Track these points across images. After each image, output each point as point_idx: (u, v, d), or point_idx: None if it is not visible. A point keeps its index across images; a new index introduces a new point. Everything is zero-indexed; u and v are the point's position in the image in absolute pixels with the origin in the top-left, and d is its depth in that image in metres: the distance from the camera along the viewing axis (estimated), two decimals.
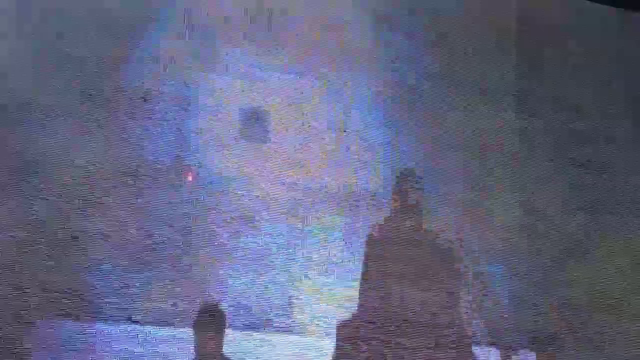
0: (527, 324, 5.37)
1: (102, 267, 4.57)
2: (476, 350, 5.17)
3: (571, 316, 5.47)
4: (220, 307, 4.62)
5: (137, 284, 4.62)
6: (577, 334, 5.45)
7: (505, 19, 5.68)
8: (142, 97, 4.66)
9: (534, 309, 5.41)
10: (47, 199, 4.54)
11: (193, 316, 4.62)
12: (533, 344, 5.36)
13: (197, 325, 4.60)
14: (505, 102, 5.61)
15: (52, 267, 4.49)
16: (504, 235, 5.45)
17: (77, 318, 4.50)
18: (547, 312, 5.42)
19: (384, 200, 5.16)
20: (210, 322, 4.59)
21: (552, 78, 5.73)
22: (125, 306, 4.58)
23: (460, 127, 5.46)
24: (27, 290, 4.42)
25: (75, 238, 4.54)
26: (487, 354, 5.23)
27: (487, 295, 5.29)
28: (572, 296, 5.51)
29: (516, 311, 5.38)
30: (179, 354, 4.61)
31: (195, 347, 4.60)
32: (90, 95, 4.68)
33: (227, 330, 4.71)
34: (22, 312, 4.41)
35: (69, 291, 4.49)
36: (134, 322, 4.55)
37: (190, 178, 4.79)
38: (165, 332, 4.63)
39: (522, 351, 5.34)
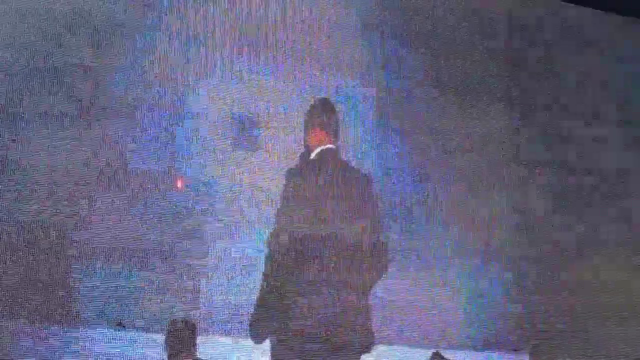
0: (521, 326, 5.38)
1: (91, 272, 4.56)
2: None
3: (565, 318, 5.47)
4: (189, 320, 4.59)
5: (127, 290, 4.60)
6: (571, 336, 5.45)
7: (494, 23, 5.69)
8: None
9: (528, 310, 5.41)
10: (34, 204, 4.54)
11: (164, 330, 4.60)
12: (528, 346, 5.36)
13: (166, 341, 4.56)
14: (495, 105, 5.62)
15: (39, 272, 4.48)
16: (497, 237, 5.45)
17: (65, 323, 4.49)
18: (541, 313, 5.42)
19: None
20: (179, 336, 4.56)
21: (542, 81, 5.74)
22: (115, 311, 4.57)
23: (451, 130, 5.46)
24: (14, 295, 4.41)
25: (63, 244, 4.53)
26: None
27: (480, 296, 5.30)
28: (565, 298, 5.51)
29: (510, 312, 5.38)
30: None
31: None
32: (80, 101, 4.68)
33: (216, 338, 4.70)
34: (9, 317, 4.40)
35: (57, 296, 4.49)
36: (123, 326, 4.54)
37: (179, 185, 4.78)
38: (156, 337, 4.62)
39: (517, 353, 5.34)
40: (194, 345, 4.50)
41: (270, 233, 4.61)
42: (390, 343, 5.07)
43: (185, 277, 4.69)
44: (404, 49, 5.40)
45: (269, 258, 4.56)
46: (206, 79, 4.95)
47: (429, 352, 5.08)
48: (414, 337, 5.14)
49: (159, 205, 4.72)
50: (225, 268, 4.79)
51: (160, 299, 4.63)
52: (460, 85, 5.50)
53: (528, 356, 5.38)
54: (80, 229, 4.58)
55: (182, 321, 4.52)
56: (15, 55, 4.61)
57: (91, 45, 4.72)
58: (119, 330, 4.51)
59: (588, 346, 5.46)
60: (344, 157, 4.90)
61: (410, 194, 5.29)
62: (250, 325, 4.56)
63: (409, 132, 5.35)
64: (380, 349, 4.97)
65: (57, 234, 4.54)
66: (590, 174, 5.71)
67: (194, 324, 4.52)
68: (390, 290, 5.09)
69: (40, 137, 4.58)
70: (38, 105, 4.60)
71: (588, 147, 5.76)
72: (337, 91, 5.20)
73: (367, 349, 4.52)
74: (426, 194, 5.32)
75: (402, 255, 5.17)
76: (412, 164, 5.33)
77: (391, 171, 5.27)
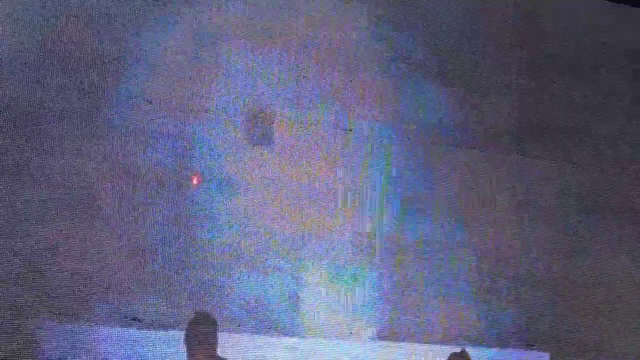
0: (523, 324, 5.37)
1: (104, 269, 4.53)
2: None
3: (568, 315, 5.46)
4: (210, 315, 4.57)
5: (140, 287, 4.57)
6: (575, 334, 5.45)
7: (504, 15, 5.69)
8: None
9: (529, 308, 5.40)
10: (48, 201, 4.49)
11: (185, 325, 4.57)
12: (530, 343, 5.36)
13: (187, 335, 4.53)
14: (504, 99, 5.61)
15: (52, 269, 4.44)
16: (499, 233, 5.44)
17: (78, 320, 4.46)
18: (544, 311, 5.42)
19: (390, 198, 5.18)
20: (200, 331, 4.54)
21: (552, 73, 5.73)
22: (127, 308, 4.54)
23: (461, 124, 5.46)
24: (28, 293, 4.37)
25: (76, 240, 4.49)
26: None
27: (483, 292, 5.30)
28: (568, 295, 5.50)
29: (513, 311, 5.37)
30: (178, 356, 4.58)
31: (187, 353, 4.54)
32: (92, 97, 4.64)
33: (230, 335, 4.67)
34: (24, 314, 4.37)
35: (70, 293, 4.45)
36: (137, 321, 4.51)
37: (195, 181, 4.76)
38: (166, 334, 4.59)
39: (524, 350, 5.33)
40: (215, 341, 4.47)
41: None
42: (404, 340, 5.07)
43: (199, 276, 4.67)
44: (414, 43, 5.39)
45: None
46: (219, 74, 4.91)
47: (447, 349, 5.06)
48: (429, 333, 5.13)
49: (174, 201, 4.69)
50: (239, 264, 4.77)
51: (177, 296, 4.60)
52: (469, 79, 5.50)
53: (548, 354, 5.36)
54: (93, 225, 4.53)
55: (203, 317, 4.49)
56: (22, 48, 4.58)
57: (102, 41, 4.69)
58: (131, 327, 4.47)
59: (593, 343, 5.45)
60: None
61: (422, 190, 5.27)
62: None
63: (420, 125, 5.35)
64: (395, 345, 4.98)
65: (68, 230, 4.50)
66: (596, 168, 5.72)
67: (214, 320, 4.49)
68: (404, 286, 5.09)
69: (49, 132, 4.55)
70: (49, 99, 4.55)
71: (599, 141, 5.75)
72: (347, 85, 5.18)
73: None
74: (438, 191, 5.31)
75: (414, 251, 5.16)
76: (422, 161, 5.31)
77: (401, 167, 5.25)
